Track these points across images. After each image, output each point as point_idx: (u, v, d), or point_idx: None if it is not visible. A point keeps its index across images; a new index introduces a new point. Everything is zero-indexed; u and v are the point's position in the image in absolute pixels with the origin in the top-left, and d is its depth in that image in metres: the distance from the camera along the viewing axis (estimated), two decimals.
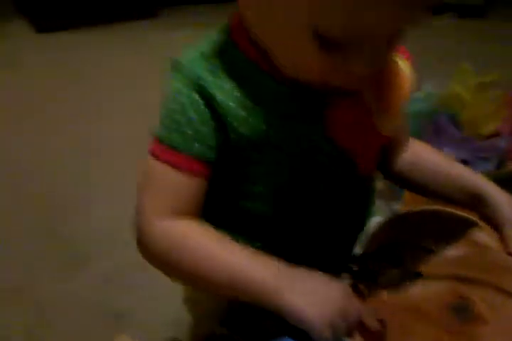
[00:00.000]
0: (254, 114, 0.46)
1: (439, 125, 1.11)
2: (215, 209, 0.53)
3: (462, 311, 0.46)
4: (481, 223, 0.56)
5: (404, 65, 0.51)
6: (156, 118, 0.49)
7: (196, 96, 0.45)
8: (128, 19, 2.87)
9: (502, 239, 0.52)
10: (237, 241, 0.48)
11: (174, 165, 0.46)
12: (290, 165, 0.49)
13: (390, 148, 0.60)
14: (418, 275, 0.51)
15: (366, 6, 0.35)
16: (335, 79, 0.43)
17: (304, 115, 0.48)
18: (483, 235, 0.54)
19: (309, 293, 0.42)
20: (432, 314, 0.46)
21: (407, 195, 0.96)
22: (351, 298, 0.44)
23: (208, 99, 0.45)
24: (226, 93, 0.45)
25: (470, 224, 0.56)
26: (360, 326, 0.44)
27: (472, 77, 1.20)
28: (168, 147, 0.46)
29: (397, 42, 0.42)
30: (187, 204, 0.47)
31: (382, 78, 0.49)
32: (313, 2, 0.36)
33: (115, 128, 1.84)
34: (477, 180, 0.58)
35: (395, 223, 0.64)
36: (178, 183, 0.46)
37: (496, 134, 1.14)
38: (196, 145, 0.46)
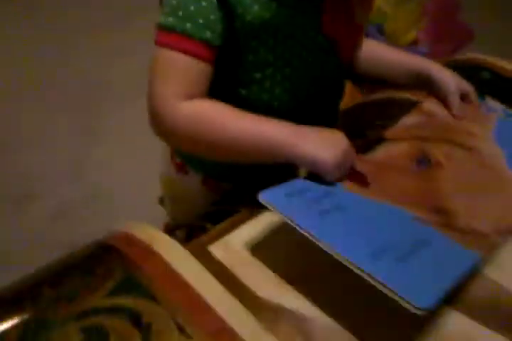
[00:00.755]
0: (259, 2, 0.50)
1: (367, 35, 1.20)
2: (217, 98, 0.58)
3: (424, 161, 0.58)
4: (428, 97, 0.67)
5: None
6: None
7: None
8: None
9: (447, 106, 0.64)
10: None
11: (186, 51, 0.50)
12: (284, 51, 0.55)
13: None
14: (384, 140, 0.61)
15: None
16: None
17: (304, 8, 0.53)
18: (432, 105, 0.65)
19: (319, 141, 0.50)
20: (400, 165, 0.57)
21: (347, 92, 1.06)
22: (350, 143, 0.53)
23: None
24: None
25: (416, 103, 0.67)
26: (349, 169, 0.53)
27: None
28: (180, 35, 0.50)
29: None
30: (199, 87, 0.52)
31: None
32: None
33: None
34: (423, 62, 0.68)
35: (358, 109, 0.74)
36: (191, 68, 0.51)
37: (415, 42, 1.27)
38: (208, 32, 0.50)
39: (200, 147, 0.53)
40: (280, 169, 0.57)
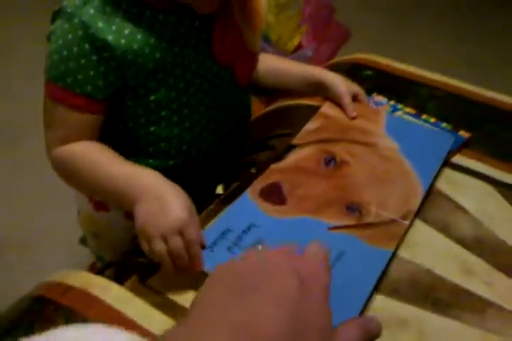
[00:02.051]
0: (146, 45, 0.52)
1: None
2: (126, 138, 0.61)
3: (330, 161, 0.62)
4: (326, 102, 0.72)
5: None
6: None
7: (86, 46, 0.51)
8: None
9: (343, 108, 0.69)
10: (149, 162, 0.61)
11: (66, 103, 0.53)
12: (186, 86, 0.58)
13: None
14: (292, 148, 0.65)
15: None
16: None
17: (191, 40, 0.56)
18: (329, 108, 0.70)
19: (152, 210, 0.46)
20: (310, 168, 0.61)
21: (254, 105, 1.10)
22: (192, 216, 0.47)
23: (100, 46, 0.51)
24: (116, 33, 0.51)
25: (317, 108, 0.72)
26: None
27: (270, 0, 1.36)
28: (61, 87, 0.53)
29: None
30: (78, 133, 0.55)
31: (247, 3, 0.59)
32: None
33: None
34: (314, 70, 0.73)
35: (262, 120, 0.78)
36: (68, 117, 0.55)
37: (299, 46, 1.34)
38: (88, 87, 0.53)
39: (74, 186, 0.60)
40: (200, 190, 0.59)
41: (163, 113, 0.58)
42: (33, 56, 1.44)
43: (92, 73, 0.52)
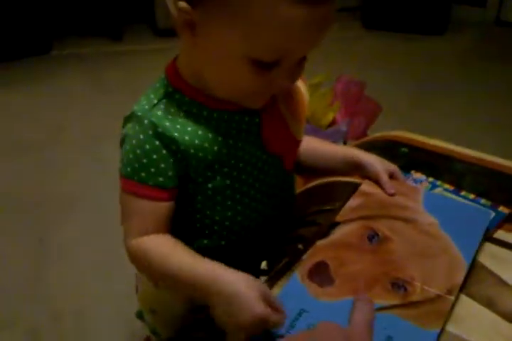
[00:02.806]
0: (205, 140, 0.60)
1: None
2: (184, 221, 0.67)
3: (374, 237, 0.66)
4: (364, 180, 0.77)
5: (301, 84, 0.70)
6: None
7: (157, 142, 0.58)
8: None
9: (381, 185, 0.73)
10: (204, 243, 0.66)
11: (143, 196, 0.60)
12: (238, 174, 0.64)
13: None
14: (335, 224, 0.69)
15: (288, 38, 0.50)
16: (264, 93, 0.59)
17: (242, 134, 0.63)
18: (369, 186, 0.75)
19: (226, 304, 0.51)
20: (354, 244, 0.65)
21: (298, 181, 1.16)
22: (266, 304, 0.51)
23: (168, 142, 0.58)
24: (181, 131, 0.58)
25: (356, 184, 0.77)
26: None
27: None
28: (136, 182, 0.59)
29: (305, 61, 0.58)
30: (154, 224, 0.61)
31: (290, 96, 0.67)
32: (245, 39, 0.50)
33: None
34: (351, 151, 0.79)
35: (305, 196, 0.83)
36: (146, 209, 0.60)
37: (333, 122, 1.41)
38: (160, 178, 0.59)
39: (148, 276, 0.64)
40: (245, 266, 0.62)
41: (219, 198, 0.64)
42: None
43: (163, 165, 0.58)
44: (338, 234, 0.67)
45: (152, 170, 0.58)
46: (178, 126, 0.58)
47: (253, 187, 0.67)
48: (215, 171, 0.62)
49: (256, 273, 0.79)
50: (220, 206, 0.66)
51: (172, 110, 0.59)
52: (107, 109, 2.14)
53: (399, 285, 0.59)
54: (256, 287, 0.51)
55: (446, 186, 0.78)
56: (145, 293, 0.77)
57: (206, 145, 0.60)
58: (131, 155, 0.59)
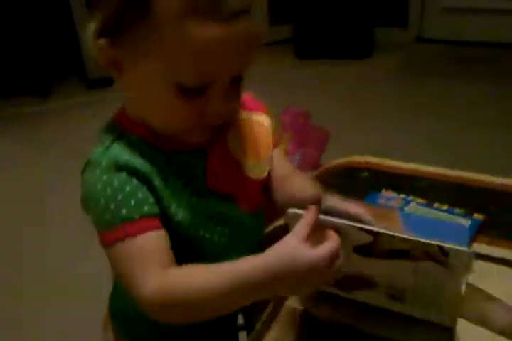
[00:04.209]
0: (162, 179, 0.56)
1: None
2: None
3: None
4: None
5: (261, 119, 0.66)
6: None
7: (123, 175, 0.53)
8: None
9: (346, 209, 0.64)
10: None
11: (134, 233, 0.51)
12: (190, 211, 0.58)
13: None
14: None
15: (206, 59, 0.49)
16: (198, 124, 0.55)
17: (190, 173, 0.59)
18: None
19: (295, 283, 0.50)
20: None
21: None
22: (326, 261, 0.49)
23: (134, 170, 0.54)
24: (142, 164, 0.54)
25: None
26: None
27: None
28: (121, 224, 0.52)
29: (241, 82, 0.55)
30: (168, 253, 0.53)
31: (241, 134, 0.63)
32: (166, 65, 0.50)
33: None
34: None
35: (271, 235, 0.80)
36: (146, 246, 0.52)
37: (287, 152, 1.42)
38: (144, 208, 0.53)
39: (183, 315, 0.53)
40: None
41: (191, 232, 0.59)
42: None
43: (140, 195, 0.53)
44: None
45: (132, 202, 0.53)
46: (139, 160, 0.55)
47: (217, 233, 0.62)
48: (175, 208, 0.57)
49: (233, 328, 0.75)
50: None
51: (127, 149, 0.55)
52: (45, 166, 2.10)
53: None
54: (295, 239, 0.51)
55: (419, 200, 0.78)
56: None
57: (163, 185, 0.56)
58: (102, 201, 0.53)
